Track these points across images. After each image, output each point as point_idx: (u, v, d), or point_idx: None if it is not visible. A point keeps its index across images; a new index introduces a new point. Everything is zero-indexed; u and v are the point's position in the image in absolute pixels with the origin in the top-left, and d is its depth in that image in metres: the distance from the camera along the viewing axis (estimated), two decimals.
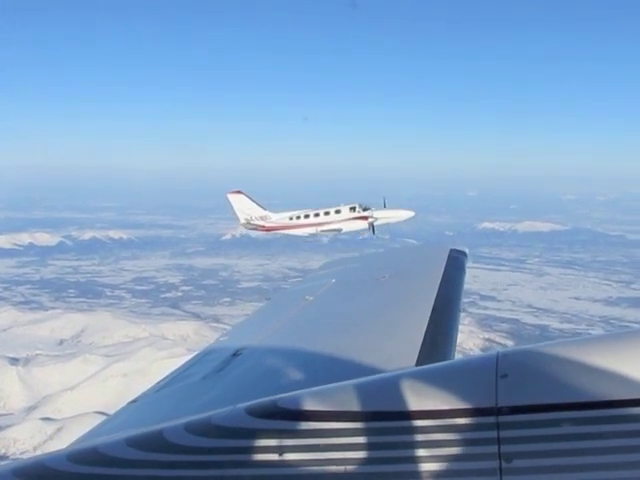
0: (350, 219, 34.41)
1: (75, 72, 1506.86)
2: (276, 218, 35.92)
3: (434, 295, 7.51)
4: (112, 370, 78.85)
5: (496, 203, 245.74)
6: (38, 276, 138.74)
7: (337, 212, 34.65)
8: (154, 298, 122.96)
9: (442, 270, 8.68)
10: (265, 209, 36.16)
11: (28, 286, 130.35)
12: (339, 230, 34.75)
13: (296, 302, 9.02)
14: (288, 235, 37.43)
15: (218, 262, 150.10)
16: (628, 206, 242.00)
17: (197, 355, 7.58)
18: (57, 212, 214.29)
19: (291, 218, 35.70)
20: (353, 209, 34.50)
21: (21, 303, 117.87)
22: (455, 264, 9.20)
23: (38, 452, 63.38)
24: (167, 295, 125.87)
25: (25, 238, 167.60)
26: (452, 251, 9.89)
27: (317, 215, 35.18)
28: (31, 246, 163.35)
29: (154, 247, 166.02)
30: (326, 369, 5.83)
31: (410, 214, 35.62)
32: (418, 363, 5.39)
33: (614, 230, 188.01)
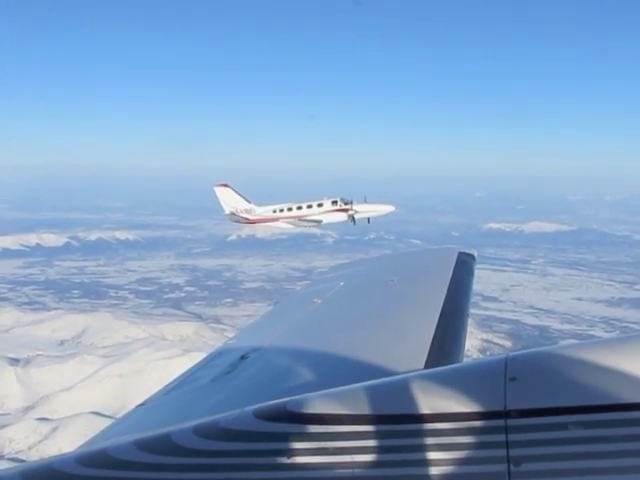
0: (331, 211, 35.77)
1: (81, 71, 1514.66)
2: (260, 211, 37.26)
3: (442, 298, 7.52)
4: (108, 371, 79.27)
5: (503, 203, 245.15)
6: (43, 277, 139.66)
7: (319, 205, 36.17)
8: (157, 299, 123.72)
9: (450, 273, 8.68)
10: (250, 202, 37.43)
11: (33, 287, 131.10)
12: (319, 221, 36.25)
13: (304, 305, 9.04)
14: (274, 228, 38.84)
15: (223, 263, 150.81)
16: (636, 206, 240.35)
17: (205, 358, 7.57)
18: (64, 213, 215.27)
19: (275, 211, 37.09)
20: (335, 202, 36.04)
21: (25, 304, 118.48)
22: (464, 267, 9.21)
23: (33, 451, 64.05)
24: (170, 296, 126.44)
25: (32, 239, 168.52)
26: (461, 254, 9.87)
27: (300, 208, 36.58)
28: (38, 247, 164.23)
29: (160, 248, 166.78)
30: (334, 372, 5.87)
31: (390, 209, 37.19)
32: (427, 366, 5.41)
33: (621, 230, 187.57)
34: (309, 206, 36.11)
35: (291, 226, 37.44)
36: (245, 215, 37.08)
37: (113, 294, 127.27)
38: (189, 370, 7.14)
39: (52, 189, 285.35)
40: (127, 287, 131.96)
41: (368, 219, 36.20)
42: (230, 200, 37.18)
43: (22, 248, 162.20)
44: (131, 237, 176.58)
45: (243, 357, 6.83)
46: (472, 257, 9.90)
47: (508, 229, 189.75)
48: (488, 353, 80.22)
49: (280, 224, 37.27)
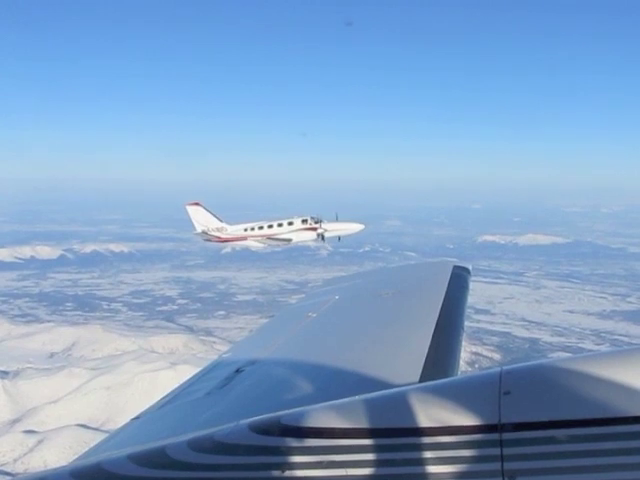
0: (300, 230, 36.10)
1: (79, 85, 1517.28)
2: (232, 230, 37.63)
3: (437, 312, 7.55)
4: (95, 383, 79.29)
5: (499, 215, 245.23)
6: (37, 289, 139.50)
7: (290, 224, 36.56)
8: (150, 311, 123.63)
9: (445, 287, 8.76)
10: (222, 221, 37.75)
11: (26, 299, 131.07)
12: (289, 240, 36.61)
13: (299, 318, 9.13)
14: (245, 246, 39.28)
15: (217, 275, 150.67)
16: (632, 218, 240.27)
17: (200, 371, 7.60)
18: (60, 225, 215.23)
19: (246, 230, 37.47)
20: (305, 221, 36.47)
21: (17, 316, 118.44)
22: (458, 280, 9.30)
23: (18, 464, 63.98)
24: (163, 308, 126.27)
25: (27, 251, 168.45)
26: (455, 267, 9.98)
27: (270, 226, 36.93)
28: (32, 259, 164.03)
29: (155, 260, 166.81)
30: (329, 385, 5.90)
31: (359, 227, 37.53)
32: (422, 380, 5.42)
33: (616, 243, 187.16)
34: (279, 224, 36.51)
35: (262, 245, 37.79)
36: (216, 234, 37.48)
37: (106, 307, 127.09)
38: (184, 383, 7.18)
39: (48, 202, 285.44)
40: (120, 300, 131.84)
41: (339, 237, 36.71)
42: (202, 219, 37.57)
43: (16, 260, 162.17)
44: (126, 250, 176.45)
45: (238, 370, 6.87)
46: (467, 271, 10.03)
47: (503, 241, 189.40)
48: (477, 366, 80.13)
49: (251, 242, 37.61)
